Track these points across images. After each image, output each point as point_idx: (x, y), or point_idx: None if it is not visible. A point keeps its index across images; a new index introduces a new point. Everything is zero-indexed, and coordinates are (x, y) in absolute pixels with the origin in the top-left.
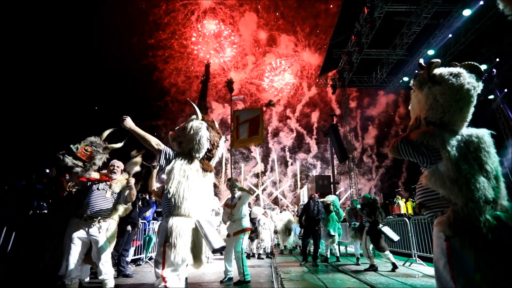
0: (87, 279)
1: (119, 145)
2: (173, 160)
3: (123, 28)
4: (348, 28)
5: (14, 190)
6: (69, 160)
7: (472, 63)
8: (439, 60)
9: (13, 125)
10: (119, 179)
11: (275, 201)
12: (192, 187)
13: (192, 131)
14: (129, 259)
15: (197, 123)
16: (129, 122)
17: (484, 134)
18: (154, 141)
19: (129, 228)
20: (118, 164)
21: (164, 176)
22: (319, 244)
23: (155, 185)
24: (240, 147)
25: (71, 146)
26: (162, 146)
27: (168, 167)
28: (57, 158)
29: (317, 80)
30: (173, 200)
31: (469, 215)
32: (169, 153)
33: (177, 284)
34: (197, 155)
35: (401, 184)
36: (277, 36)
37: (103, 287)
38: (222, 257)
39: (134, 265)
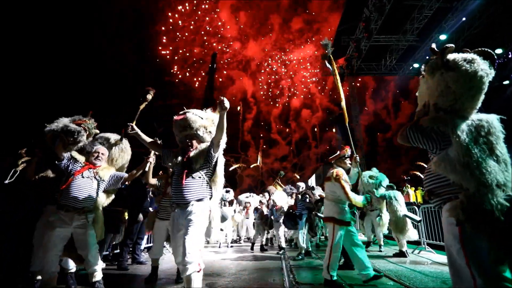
0: (73, 269)
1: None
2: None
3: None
4: (357, 14)
5: None
6: (84, 139)
7: (485, 49)
8: (453, 45)
9: (13, 123)
10: (105, 166)
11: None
12: None
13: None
14: (142, 247)
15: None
16: (228, 104)
17: (494, 119)
18: (224, 134)
19: (140, 217)
20: (103, 151)
21: (213, 162)
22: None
23: (153, 180)
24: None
25: (87, 121)
26: (222, 142)
27: (219, 158)
28: (68, 131)
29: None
30: (216, 186)
31: (481, 199)
32: None
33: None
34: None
35: None
36: None
37: (91, 279)
38: (231, 244)
39: (147, 253)
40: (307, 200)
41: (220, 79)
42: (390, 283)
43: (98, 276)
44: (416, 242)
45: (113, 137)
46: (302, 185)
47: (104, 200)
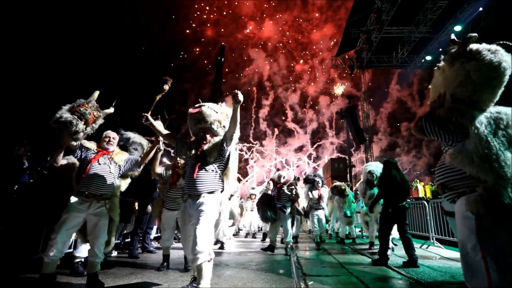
0: (83, 259)
1: (111, 110)
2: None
3: None
4: (367, 5)
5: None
6: (81, 126)
7: (507, 42)
8: (476, 35)
9: (13, 125)
10: (118, 151)
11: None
12: None
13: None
14: (152, 236)
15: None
16: (242, 97)
17: None
18: (238, 129)
19: (149, 208)
20: (113, 135)
21: (226, 154)
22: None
23: (159, 169)
24: None
25: (81, 109)
26: (235, 136)
27: (232, 151)
28: (61, 122)
29: (334, 61)
30: (228, 179)
31: (500, 192)
32: None
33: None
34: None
35: None
36: None
37: (89, 270)
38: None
39: (156, 242)
40: (294, 192)
41: (234, 62)
42: (398, 276)
43: (96, 268)
44: (425, 237)
45: (144, 142)
46: (283, 174)
47: (121, 185)
